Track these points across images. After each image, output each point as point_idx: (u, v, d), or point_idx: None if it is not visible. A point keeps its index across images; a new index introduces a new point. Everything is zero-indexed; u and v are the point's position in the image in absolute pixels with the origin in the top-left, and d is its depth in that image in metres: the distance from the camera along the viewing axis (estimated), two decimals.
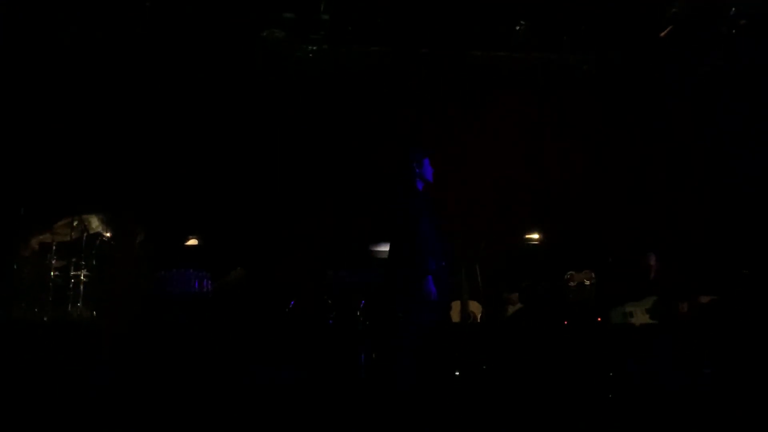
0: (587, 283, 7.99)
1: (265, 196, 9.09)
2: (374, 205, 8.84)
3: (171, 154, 8.84)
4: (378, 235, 8.00)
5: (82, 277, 7.49)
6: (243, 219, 8.89)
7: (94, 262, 7.61)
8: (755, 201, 9.15)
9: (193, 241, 8.14)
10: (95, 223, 7.84)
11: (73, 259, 7.55)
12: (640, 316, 7.92)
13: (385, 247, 7.93)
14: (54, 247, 7.54)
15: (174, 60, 8.69)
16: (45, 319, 7.01)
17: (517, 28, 8.56)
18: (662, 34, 8.66)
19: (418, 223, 5.80)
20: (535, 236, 9.09)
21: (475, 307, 7.84)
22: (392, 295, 6.06)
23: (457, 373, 5.22)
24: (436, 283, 5.72)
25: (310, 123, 9.31)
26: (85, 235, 7.64)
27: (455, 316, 7.31)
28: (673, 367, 6.74)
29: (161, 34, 8.35)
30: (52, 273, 7.40)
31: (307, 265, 8.44)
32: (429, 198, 6.02)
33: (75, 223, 7.65)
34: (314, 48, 8.69)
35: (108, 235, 7.82)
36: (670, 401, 5.50)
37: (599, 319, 7.68)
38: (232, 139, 9.09)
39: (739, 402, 5.47)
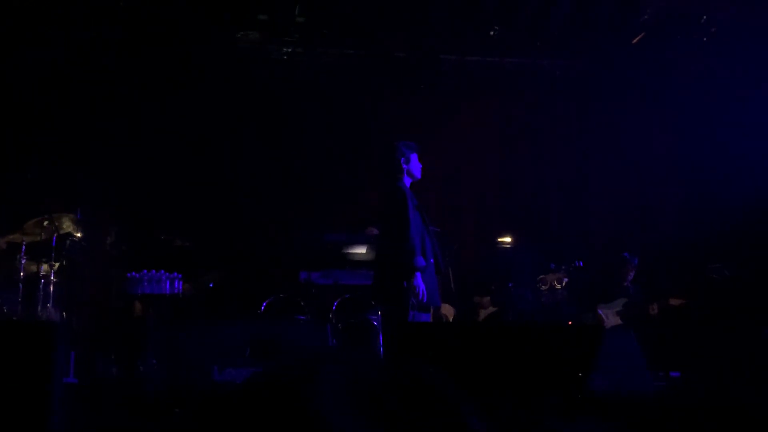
0: (559, 286, 8.05)
1: (239, 196, 9.07)
2: (348, 207, 8.86)
3: (143, 154, 8.79)
4: (352, 237, 8.02)
5: (52, 278, 7.42)
6: (216, 220, 8.86)
7: (64, 263, 7.54)
8: (726, 204, 9.25)
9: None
10: (66, 224, 7.76)
11: (43, 259, 7.48)
12: (610, 318, 8.00)
13: (358, 249, 7.97)
14: (24, 247, 7.47)
15: (148, 60, 8.66)
16: (14, 319, 6.93)
17: (491, 33, 8.61)
18: (634, 40, 8.76)
19: (407, 219, 5.69)
20: (508, 239, 9.15)
21: (447, 310, 7.87)
22: (380, 292, 6.02)
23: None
24: (425, 281, 5.65)
25: (283, 124, 9.30)
26: (55, 235, 7.56)
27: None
28: (642, 369, 6.80)
29: (134, 33, 8.31)
30: (21, 273, 7.32)
31: (280, 266, 8.42)
32: (416, 195, 5.91)
33: (45, 223, 7.57)
34: (289, 50, 8.70)
35: (79, 235, 7.74)
36: (637, 404, 5.54)
37: (570, 322, 7.74)
38: (206, 140, 9.06)
39: (706, 405, 5.52)
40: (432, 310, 6.03)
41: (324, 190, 9.28)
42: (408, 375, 1.68)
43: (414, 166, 5.96)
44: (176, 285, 7.51)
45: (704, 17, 8.40)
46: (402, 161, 5.92)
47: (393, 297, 5.72)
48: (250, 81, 9.05)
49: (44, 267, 7.46)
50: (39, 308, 7.27)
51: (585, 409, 4.64)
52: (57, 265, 7.46)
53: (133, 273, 7.34)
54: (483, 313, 8.36)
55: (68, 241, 7.60)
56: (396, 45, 8.82)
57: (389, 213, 5.84)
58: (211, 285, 7.84)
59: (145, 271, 7.46)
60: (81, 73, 8.71)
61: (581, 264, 8.13)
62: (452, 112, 9.63)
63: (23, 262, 7.37)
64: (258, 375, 1.71)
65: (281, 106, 9.27)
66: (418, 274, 5.61)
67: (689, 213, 9.57)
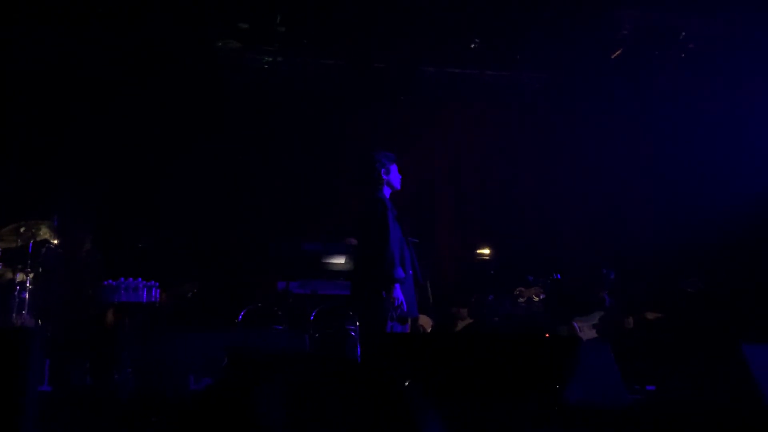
0: (536, 298, 8.08)
1: (217, 205, 9.04)
2: (327, 217, 8.86)
3: (121, 161, 8.75)
4: (330, 247, 8.01)
5: (27, 285, 7.35)
6: (194, 228, 8.83)
7: (40, 270, 7.48)
8: (703, 217, 9.33)
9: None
10: (42, 230, 7.69)
11: (19, 266, 7.41)
12: (586, 331, 8.03)
13: (336, 259, 7.97)
14: None
15: (126, 67, 8.62)
16: None
17: (471, 45, 8.65)
18: (613, 55, 8.84)
19: (387, 230, 5.68)
20: (486, 251, 9.18)
21: (425, 322, 7.88)
22: (356, 305, 6.01)
23: (407, 384, 5.20)
24: (404, 292, 5.64)
25: (262, 133, 9.29)
26: (31, 242, 7.50)
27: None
28: (617, 382, 6.83)
29: (113, 40, 8.29)
30: None
31: (258, 275, 8.40)
32: (394, 206, 5.89)
33: (22, 230, 7.51)
34: (269, 59, 8.69)
35: (55, 242, 7.68)
36: (612, 417, 5.56)
37: (547, 335, 7.76)
38: (184, 148, 9.03)
39: (680, 418, 5.55)
40: (410, 321, 6.02)
41: (302, 200, 9.27)
42: (358, 376, 1.69)
43: (394, 176, 5.96)
44: (153, 293, 7.47)
45: (683, 33, 8.49)
46: (382, 172, 5.92)
47: (371, 307, 5.69)
48: (230, 89, 9.04)
49: (20, 274, 7.40)
50: (14, 315, 7.20)
51: (560, 420, 4.65)
52: (32, 272, 7.41)
53: (110, 281, 7.30)
54: (460, 325, 8.37)
55: (44, 248, 7.55)
56: (376, 56, 8.84)
57: (369, 224, 5.82)
58: (190, 296, 7.81)
59: (122, 279, 7.41)
60: (59, 79, 8.67)
61: (558, 277, 8.16)
62: (432, 123, 9.67)
63: None
64: (209, 386, 1.71)
65: (260, 115, 9.26)
66: (398, 286, 5.60)
67: (665, 226, 9.65)
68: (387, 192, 5.96)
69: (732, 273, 8.86)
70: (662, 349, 7.83)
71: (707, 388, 6.63)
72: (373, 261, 5.72)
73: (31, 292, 7.31)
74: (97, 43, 8.36)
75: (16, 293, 7.25)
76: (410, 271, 5.83)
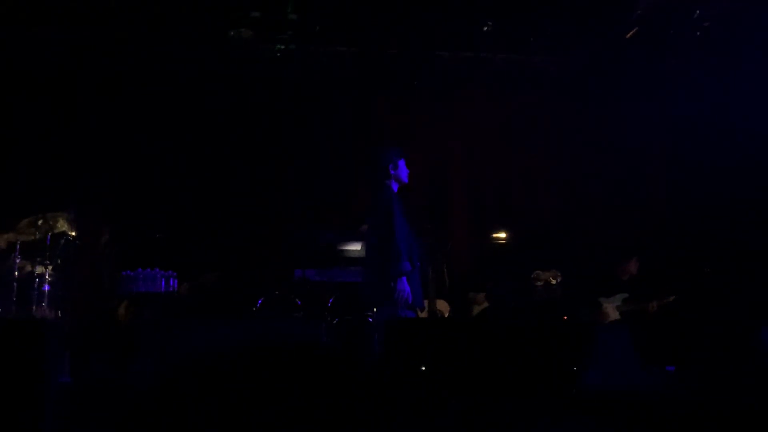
0: (553, 282, 8.06)
1: (233, 194, 9.06)
2: (343, 204, 8.86)
3: (137, 153, 8.79)
4: (346, 235, 8.02)
5: (46, 277, 7.41)
6: (210, 218, 8.86)
7: (58, 262, 7.54)
8: (722, 201, 9.27)
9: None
10: (60, 223, 7.75)
11: (38, 259, 7.47)
12: (610, 313, 8.00)
13: (352, 246, 7.98)
14: (18, 246, 7.46)
15: (140, 58, 8.65)
16: (8, 318, 6.93)
17: (484, 29, 8.60)
18: (628, 35, 8.76)
19: (394, 224, 5.81)
20: (503, 235, 9.16)
21: (442, 306, 7.88)
22: (367, 295, 6.13)
23: (423, 369, 5.24)
24: (411, 284, 5.79)
25: (276, 122, 9.29)
26: (49, 234, 7.55)
27: (422, 314, 7.35)
28: (636, 365, 6.80)
29: (126, 32, 8.31)
30: (15, 272, 7.31)
31: (275, 264, 8.43)
32: (404, 199, 6.04)
33: (40, 222, 7.56)
34: (282, 47, 8.68)
35: (73, 234, 7.73)
36: (631, 400, 5.55)
37: (565, 317, 7.75)
38: (199, 138, 9.05)
39: (700, 401, 5.53)
40: (417, 311, 6.16)
41: (318, 188, 9.28)
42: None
43: (402, 171, 6.08)
44: (171, 283, 7.52)
45: (697, 12, 8.40)
46: (390, 167, 6.04)
47: (380, 299, 5.91)
48: (243, 79, 9.05)
49: (39, 266, 7.46)
50: (34, 308, 7.27)
51: (578, 404, 4.65)
52: (51, 264, 7.46)
53: (128, 271, 7.35)
54: (477, 309, 8.37)
55: (63, 240, 7.60)
56: (389, 42, 8.81)
57: (377, 218, 5.96)
58: (208, 285, 7.86)
59: (140, 269, 7.46)
60: (75, 71, 8.71)
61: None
62: (446, 108, 9.63)
63: (17, 261, 7.37)
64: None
65: (274, 104, 9.26)
66: (404, 279, 5.75)
67: (689, 209, 9.57)
68: (395, 187, 6.07)
69: (753, 255, 8.80)
70: (685, 332, 7.80)
71: (728, 372, 6.61)
72: (380, 254, 5.86)
73: (50, 284, 7.37)
74: (111, 35, 8.38)
75: (35, 285, 7.31)
76: (417, 264, 5.94)
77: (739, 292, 8.18)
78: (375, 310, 6.70)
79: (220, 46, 8.50)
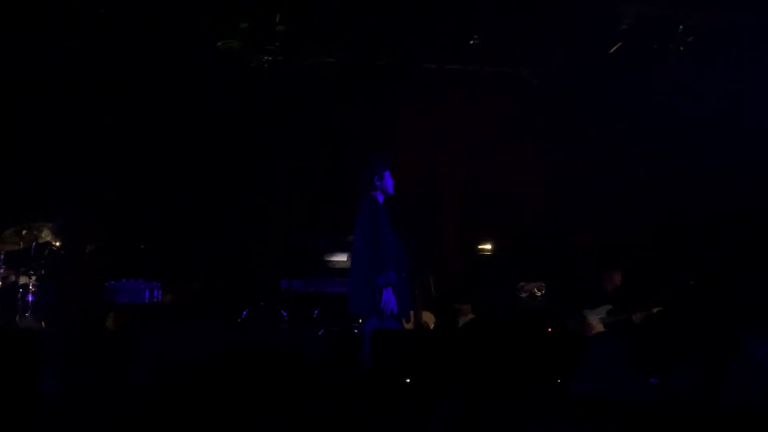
0: (538, 293, 8.08)
1: (220, 204, 9.04)
2: (330, 215, 8.85)
3: (122, 162, 8.75)
4: (333, 245, 8.02)
5: (30, 287, 7.38)
6: (197, 228, 8.83)
7: (43, 272, 7.50)
8: (707, 212, 9.35)
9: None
10: (45, 233, 7.72)
11: (22, 269, 7.44)
12: (595, 324, 8.02)
13: (339, 257, 7.98)
14: (2, 256, 7.43)
15: (128, 69, 8.62)
16: None
17: (471, 42, 8.65)
18: (612, 50, 8.84)
19: (379, 235, 5.86)
20: (488, 247, 9.18)
21: (427, 317, 7.88)
22: (353, 305, 6.14)
23: (408, 380, 5.24)
24: (396, 294, 5.83)
25: (264, 132, 9.28)
26: (34, 244, 7.52)
27: (408, 325, 7.35)
28: (622, 376, 6.83)
29: (114, 42, 8.29)
30: (0, 282, 7.28)
31: (261, 274, 8.41)
32: (389, 211, 6.06)
33: (24, 232, 7.54)
34: (269, 58, 8.69)
35: (57, 244, 7.70)
36: (618, 410, 5.58)
37: (549, 329, 7.77)
38: (186, 148, 9.03)
39: (683, 413, 5.56)
40: (402, 322, 6.19)
41: (305, 198, 9.27)
42: None
43: (387, 182, 6.13)
44: (155, 294, 7.50)
45: (681, 26, 8.50)
46: (376, 178, 6.06)
47: (366, 310, 5.94)
48: (231, 89, 9.04)
49: (23, 276, 7.42)
50: (18, 318, 7.24)
51: (565, 414, 4.67)
52: (35, 274, 7.43)
53: (112, 282, 7.33)
54: (463, 320, 8.37)
55: (47, 250, 7.58)
56: (377, 53, 8.84)
57: (362, 229, 5.98)
58: (193, 295, 7.83)
59: (124, 280, 7.44)
60: (60, 81, 8.66)
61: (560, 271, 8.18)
62: (433, 119, 9.65)
63: (1, 271, 7.34)
64: None
65: (261, 115, 9.25)
66: (389, 289, 5.79)
67: (669, 220, 9.65)
68: (380, 198, 6.11)
69: (736, 265, 8.88)
70: (670, 343, 7.84)
71: (711, 380, 6.65)
72: (366, 264, 5.91)
73: (34, 294, 7.34)
74: (97, 43, 8.36)
75: (19, 296, 7.28)
76: (403, 274, 5.97)
77: (723, 301, 8.24)
78: (360, 321, 6.71)
79: (208, 57, 8.49)
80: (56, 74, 8.61)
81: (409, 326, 6.47)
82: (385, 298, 5.80)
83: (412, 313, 7.29)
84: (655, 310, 7.83)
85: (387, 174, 6.12)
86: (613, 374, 6.69)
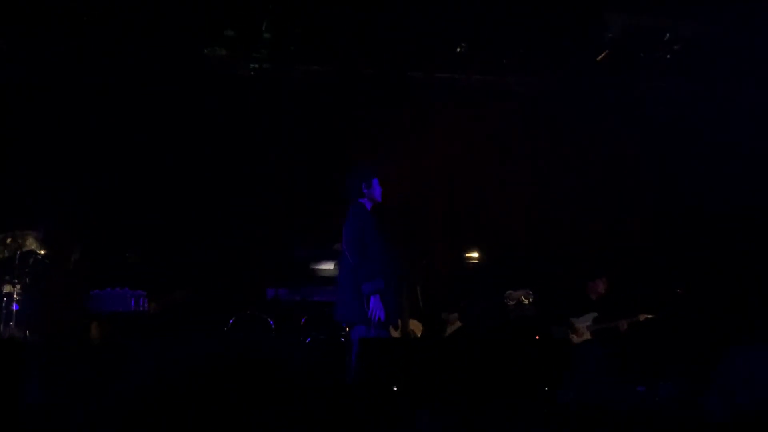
0: (526, 301, 8.08)
1: (205, 213, 8.99)
2: (317, 223, 8.83)
3: (108, 170, 8.70)
4: (320, 253, 7.99)
5: (15, 296, 7.31)
6: (182, 237, 8.78)
7: (27, 281, 7.44)
8: (694, 220, 9.39)
9: None
10: (29, 241, 7.65)
11: (6, 277, 7.37)
12: (581, 332, 8.03)
13: (326, 266, 7.95)
14: None
15: (112, 76, 8.58)
16: None
17: (458, 50, 8.66)
18: (599, 58, 8.87)
19: (367, 243, 5.87)
20: (475, 255, 9.17)
21: (415, 326, 7.86)
22: (341, 314, 6.14)
23: (396, 388, 5.23)
24: (384, 302, 5.83)
25: (251, 141, 9.25)
26: (18, 252, 7.45)
27: (395, 334, 7.33)
28: (609, 384, 6.84)
29: (99, 49, 8.25)
30: None
31: (247, 283, 8.37)
32: (377, 219, 6.06)
33: (8, 241, 7.47)
34: (256, 66, 8.67)
35: (42, 252, 7.64)
36: (606, 418, 5.57)
37: (537, 337, 7.77)
38: (172, 156, 8.98)
39: (669, 421, 5.56)
40: (390, 329, 6.17)
41: (292, 206, 9.24)
42: None
43: (375, 190, 6.10)
44: (141, 302, 7.45)
45: (667, 34, 8.54)
46: (363, 186, 6.05)
47: (354, 318, 5.98)
48: (217, 97, 9.00)
49: (7, 285, 7.35)
50: (2, 327, 7.16)
51: (552, 421, 4.66)
52: (20, 283, 7.36)
53: (97, 290, 7.28)
54: (450, 329, 8.36)
55: (32, 259, 7.51)
56: (364, 62, 8.83)
57: (350, 236, 5.97)
58: (179, 304, 7.78)
59: (109, 288, 7.39)
60: (43, 89, 8.61)
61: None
62: (421, 128, 9.65)
63: None
64: None
65: (248, 122, 9.22)
66: (377, 297, 5.80)
67: (656, 227, 9.68)
68: (368, 206, 6.10)
69: (722, 274, 8.91)
70: (654, 350, 7.86)
71: (697, 388, 6.65)
72: (353, 272, 5.91)
73: (18, 303, 7.27)
74: (81, 50, 8.32)
75: (3, 305, 7.21)
76: (391, 282, 5.95)
77: (709, 310, 8.26)
78: (348, 329, 6.69)
79: (194, 65, 8.46)
80: (41, 80, 8.57)
81: (396, 335, 6.46)
82: (373, 306, 5.80)
83: (399, 321, 7.27)
84: (641, 317, 7.85)
85: (375, 182, 6.11)
86: (600, 382, 6.70)
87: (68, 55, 8.31)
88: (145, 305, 7.53)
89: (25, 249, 7.52)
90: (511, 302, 8.13)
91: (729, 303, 8.52)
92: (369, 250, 5.88)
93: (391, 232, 6.25)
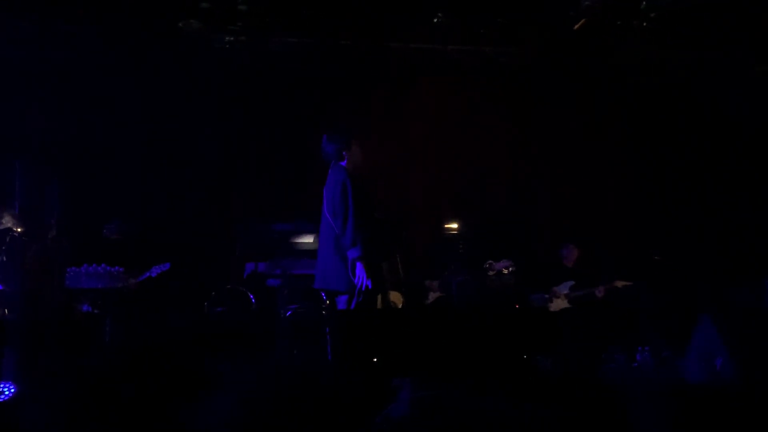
0: (505, 271, 8.12)
1: (183, 187, 8.95)
2: (295, 195, 8.81)
3: (83, 145, 8.64)
4: (300, 226, 7.96)
5: None
6: (160, 212, 8.74)
7: (4, 258, 7.37)
8: (672, 188, 9.45)
9: None
10: (6, 218, 7.58)
11: None
12: (558, 301, 8.09)
13: (306, 239, 7.93)
14: None
15: (87, 48, 8.49)
16: None
17: (435, 20, 8.59)
18: (576, 26, 8.83)
19: (348, 208, 5.68)
20: (455, 226, 9.19)
21: (395, 297, 7.88)
22: (323, 280, 6.00)
23: (375, 360, 5.23)
24: (367, 270, 5.67)
25: (227, 114, 9.20)
26: None
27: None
28: (587, 351, 6.88)
29: (74, 23, 8.16)
30: None
31: (227, 257, 8.34)
32: (359, 183, 5.87)
33: None
34: (231, 39, 8.57)
35: (19, 230, 7.57)
36: (586, 386, 5.62)
37: (517, 305, 7.82)
38: (147, 130, 8.93)
39: (649, 387, 5.61)
40: (378, 297, 6.10)
41: (270, 179, 9.21)
42: None
43: (355, 154, 5.94)
44: (118, 279, 7.41)
45: (644, 3, 8.51)
46: (343, 149, 5.90)
47: (336, 285, 5.81)
48: (193, 70, 8.93)
49: None
50: None
51: (532, 391, 4.68)
52: None
53: (73, 267, 7.23)
54: (432, 296, 8.40)
55: (8, 237, 7.44)
56: (341, 33, 8.76)
57: (331, 198, 5.81)
58: (157, 279, 7.74)
59: (86, 265, 7.34)
60: (19, 63, 8.52)
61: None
62: (399, 99, 9.64)
63: None
64: None
65: (225, 95, 9.16)
66: (362, 264, 5.65)
67: (633, 196, 9.74)
68: (349, 168, 5.96)
69: (701, 239, 8.98)
70: (633, 317, 7.92)
71: (673, 355, 6.72)
72: (335, 239, 5.75)
73: None
74: (57, 26, 8.22)
75: None
76: (374, 248, 5.84)
77: (686, 279, 8.33)
78: (327, 302, 6.62)
79: (169, 38, 8.36)
80: (19, 56, 8.46)
81: (377, 306, 6.44)
82: (359, 273, 5.64)
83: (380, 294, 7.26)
84: (618, 284, 7.91)
85: (355, 146, 5.95)
86: (578, 349, 6.73)
87: (42, 30, 8.21)
88: (124, 281, 7.49)
89: (1, 227, 7.46)
90: (492, 272, 8.16)
91: (705, 268, 8.60)
92: (352, 212, 5.66)
93: (371, 201, 6.15)
